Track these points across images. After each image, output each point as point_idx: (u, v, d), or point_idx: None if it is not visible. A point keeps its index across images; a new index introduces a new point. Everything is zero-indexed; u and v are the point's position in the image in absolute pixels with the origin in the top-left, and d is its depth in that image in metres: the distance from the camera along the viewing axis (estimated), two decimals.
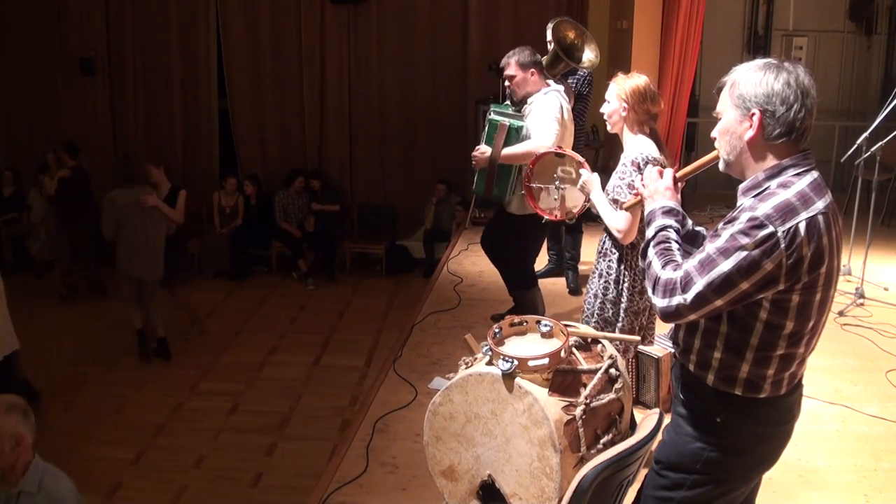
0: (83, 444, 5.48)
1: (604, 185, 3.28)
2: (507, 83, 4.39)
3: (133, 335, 6.78)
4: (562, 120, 4.20)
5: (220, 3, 9.29)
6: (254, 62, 9.47)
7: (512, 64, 4.29)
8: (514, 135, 4.19)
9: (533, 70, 4.27)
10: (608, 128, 3.28)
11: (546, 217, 3.71)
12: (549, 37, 5.03)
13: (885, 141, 5.40)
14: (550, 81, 4.42)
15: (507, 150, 4.18)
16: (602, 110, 3.27)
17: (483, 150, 4.25)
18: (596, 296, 3.32)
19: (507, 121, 4.18)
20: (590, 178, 3.29)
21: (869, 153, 5.47)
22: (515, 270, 4.55)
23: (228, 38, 9.40)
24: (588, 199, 3.34)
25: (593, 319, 3.31)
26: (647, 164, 3.07)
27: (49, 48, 9.51)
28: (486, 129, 4.28)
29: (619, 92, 3.17)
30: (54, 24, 9.46)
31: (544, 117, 4.16)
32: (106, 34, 9.46)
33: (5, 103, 9.78)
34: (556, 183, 3.58)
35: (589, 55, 5.23)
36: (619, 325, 3.26)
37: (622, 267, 3.23)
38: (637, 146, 3.15)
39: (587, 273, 5.92)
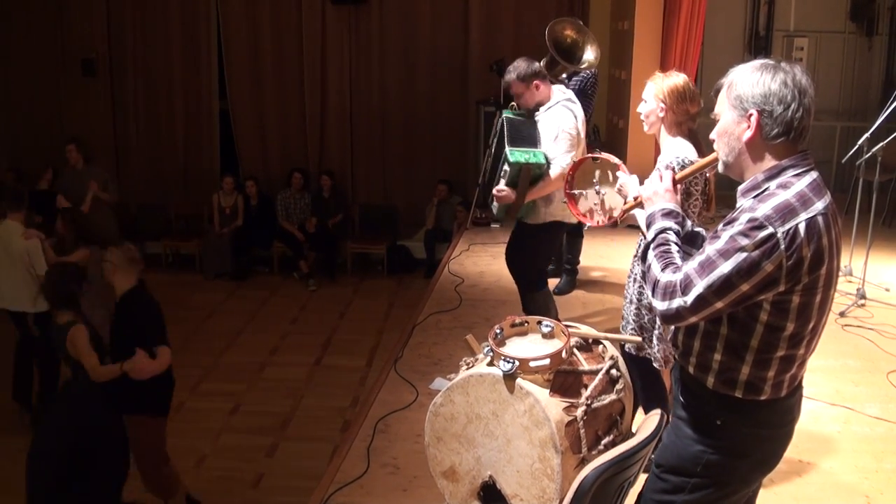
0: None
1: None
2: (513, 99, 4.34)
3: None
4: (575, 136, 4.15)
5: (221, 3, 9.29)
6: (254, 63, 9.47)
7: (513, 81, 4.24)
8: (536, 171, 4.10)
9: (536, 82, 4.20)
10: (644, 128, 3.21)
11: (588, 223, 3.67)
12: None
13: (886, 142, 5.39)
14: (563, 89, 4.37)
15: (530, 194, 4.13)
16: (639, 110, 3.20)
17: (506, 193, 4.11)
18: (632, 301, 3.25)
19: (529, 160, 4.05)
20: (627, 180, 3.14)
21: (870, 154, 5.46)
22: (523, 273, 4.54)
23: (229, 38, 9.41)
24: (627, 203, 3.28)
25: (630, 326, 3.25)
26: (682, 167, 2.96)
27: (50, 49, 9.52)
28: (508, 169, 4.10)
29: (656, 91, 3.10)
30: (56, 26, 9.47)
31: (559, 135, 4.12)
32: (107, 35, 9.47)
33: (7, 104, 9.79)
34: (596, 188, 3.53)
35: (588, 56, 5.21)
36: (657, 332, 3.17)
37: None
38: (674, 149, 3.08)
39: (584, 279, 5.99)
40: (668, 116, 3.11)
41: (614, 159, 3.45)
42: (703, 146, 3.21)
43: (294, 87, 9.52)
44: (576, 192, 3.54)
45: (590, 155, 3.65)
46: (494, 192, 4.21)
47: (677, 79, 3.10)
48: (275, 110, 9.65)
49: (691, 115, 3.13)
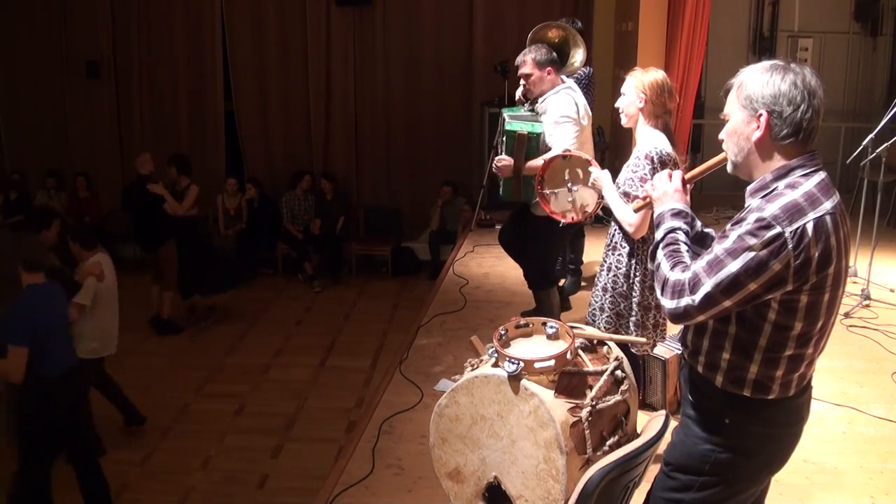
0: None
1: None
2: (522, 82, 4.35)
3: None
4: (577, 119, 4.18)
5: (226, 5, 9.32)
6: (259, 65, 9.50)
7: (528, 62, 4.25)
8: (534, 141, 4.13)
9: (549, 68, 4.24)
10: (622, 121, 3.27)
11: (563, 221, 3.70)
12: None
13: (890, 142, 5.38)
14: (564, 78, 4.40)
15: (529, 163, 4.14)
16: (617, 104, 3.26)
17: (505, 161, 4.17)
18: (605, 289, 3.31)
19: (524, 129, 4.10)
20: (600, 174, 3.30)
21: (874, 154, 5.46)
22: (537, 270, 4.54)
23: (234, 40, 9.43)
24: (601, 196, 3.35)
25: (605, 314, 3.31)
26: (660, 158, 3.08)
27: (55, 51, 9.55)
28: (505, 139, 4.19)
29: (636, 84, 3.18)
30: (60, 27, 9.51)
31: (559, 120, 4.14)
32: (112, 37, 9.50)
33: (11, 106, 9.82)
34: (569, 185, 3.57)
35: (575, 58, 5.20)
36: (633, 318, 3.26)
37: (633, 261, 3.23)
38: (651, 140, 3.16)
39: (588, 280, 5.98)
40: (646, 108, 3.18)
41: (584, 156, 3.53)
42: (677, 142, 3.27)
43: (299, 89, 9.53)
44: (547, 191, 3.60)
45: (559, 154, 3.71)
46: (495, 161, 4.23)
47: (656, 73, 3.20)
48: (280, 112, 9.67)
49: (668, 110, 3.21)
